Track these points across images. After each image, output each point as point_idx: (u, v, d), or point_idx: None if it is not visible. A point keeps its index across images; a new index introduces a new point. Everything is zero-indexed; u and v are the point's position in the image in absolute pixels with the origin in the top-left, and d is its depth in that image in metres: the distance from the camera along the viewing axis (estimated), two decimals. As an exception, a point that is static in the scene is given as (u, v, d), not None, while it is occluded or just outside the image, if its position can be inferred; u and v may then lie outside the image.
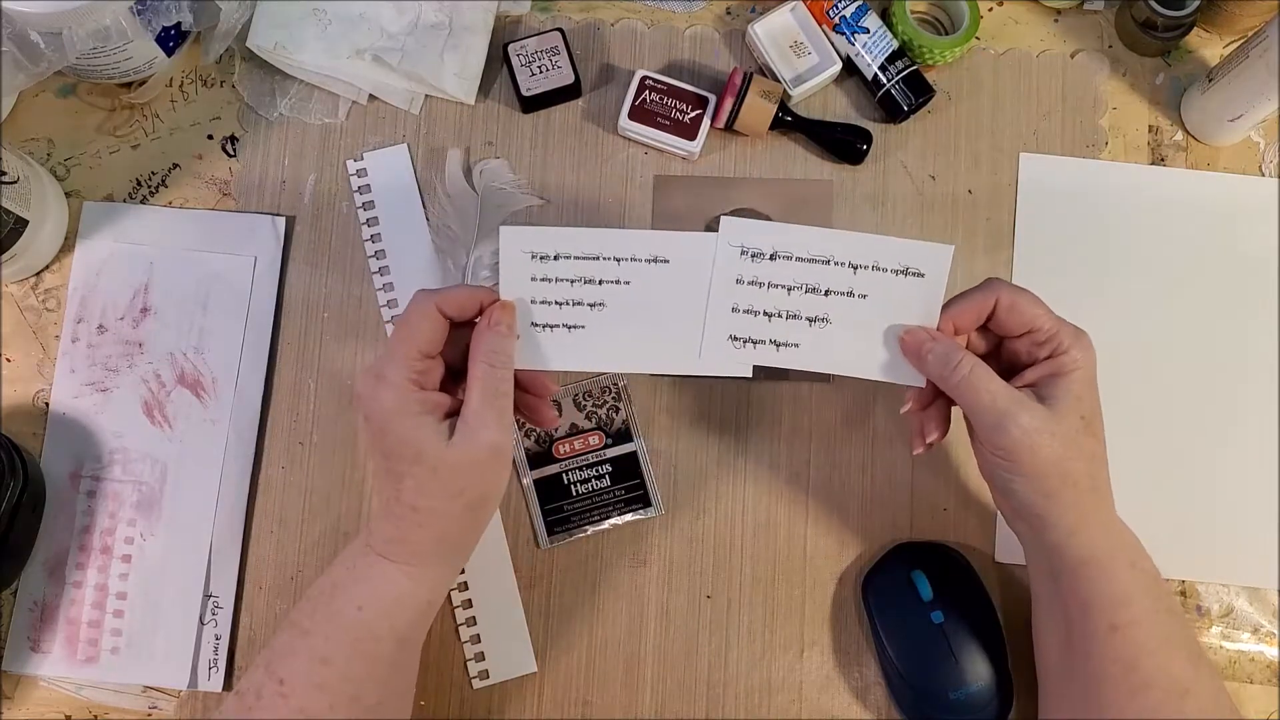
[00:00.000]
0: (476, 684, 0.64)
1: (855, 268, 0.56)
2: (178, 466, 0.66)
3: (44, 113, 0.70)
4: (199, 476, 0.65)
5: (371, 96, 0.71)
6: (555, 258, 0.56)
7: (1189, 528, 0.67)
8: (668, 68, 0.72)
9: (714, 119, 0.69)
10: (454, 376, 0.55)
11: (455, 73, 0.70)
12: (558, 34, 0.70)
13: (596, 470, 0.66)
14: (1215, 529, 0.67)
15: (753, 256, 0.56)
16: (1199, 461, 0.68)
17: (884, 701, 0.64)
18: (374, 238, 0.69)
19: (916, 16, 0.71)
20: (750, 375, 0.57)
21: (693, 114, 0.69)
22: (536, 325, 0.56)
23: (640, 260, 0.56)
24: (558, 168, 0.71)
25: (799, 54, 0.71)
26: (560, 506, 0.66)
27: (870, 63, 0.69)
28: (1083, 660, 0.54)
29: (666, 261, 0.56)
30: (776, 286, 0.56)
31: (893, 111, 0.70)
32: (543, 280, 0.56)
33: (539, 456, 0.66)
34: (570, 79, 0.69)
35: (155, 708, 0.64)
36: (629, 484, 0.66)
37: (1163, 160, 0.72)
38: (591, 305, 0.56)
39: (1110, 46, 0.73)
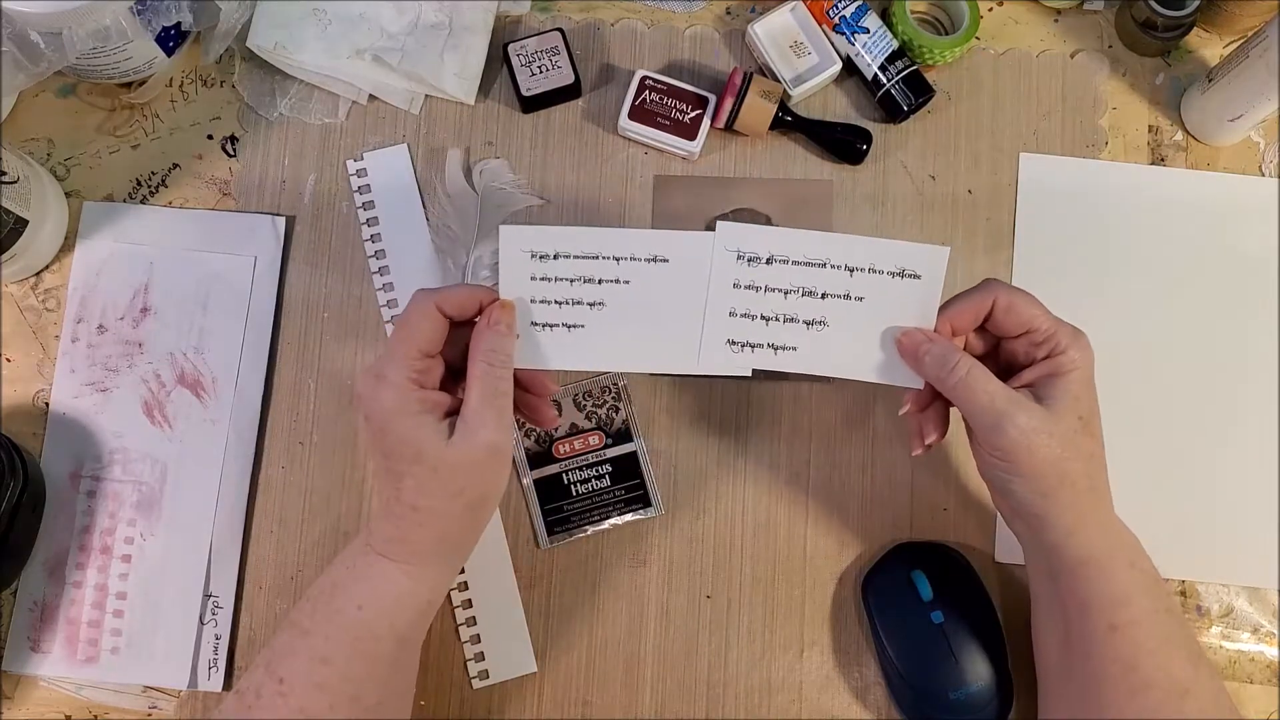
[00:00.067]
0: (476, 684, 0.64)
1: (851, 270, 0.56)
2: (178, 466, 0.66)
3: (44, 113, 0.70)
4: (199, 476, 0.65)
5: (371, 96, 0.71)
6: (555, 257, 0.56)
7: (1189, 528, 0.67)
8: (668, 68, 0.72)
9: (714, 119, 0.69)
10: (454, 376, 0.55)
11: (455, 73, 0.70)
12: (558, 34, 0.70)
13: (596, 470, 0.66)
14: (1215, 529, 0.67)
15: (749, 261, 0.56)
16: (1199, 461, 0.68)
17: (884, 701, 0.64)
18: (374, 238, 0.69)
19: (916, 16, 0.71)
20: (750, 375, 0.57)
21: (693, 114, 0.69)
22: (536, 324, 0.56)
23: (640, 260, 0.56)
24: (558, 168, 0.70)
25: (799, 54, 0.71)
26: (560, 506, 0.66)
27: (870, 63, 0.69)
28: (1082, 660, 0.54)
29: (666, 261, 0.56)
30: (773, 290, 0.56)
31: (893, 111, 0.70)
32: (542, 279, 0.56)
33: (539, 456, 0.66)
34: (570, 79, 0.69)
35: (155, 708, 0.64)
36: (629, 484, 0.66)
37: (1163, 160, 0.72)
38: (591, 305, 0.56)
39: (1110, 46, 0.73)
